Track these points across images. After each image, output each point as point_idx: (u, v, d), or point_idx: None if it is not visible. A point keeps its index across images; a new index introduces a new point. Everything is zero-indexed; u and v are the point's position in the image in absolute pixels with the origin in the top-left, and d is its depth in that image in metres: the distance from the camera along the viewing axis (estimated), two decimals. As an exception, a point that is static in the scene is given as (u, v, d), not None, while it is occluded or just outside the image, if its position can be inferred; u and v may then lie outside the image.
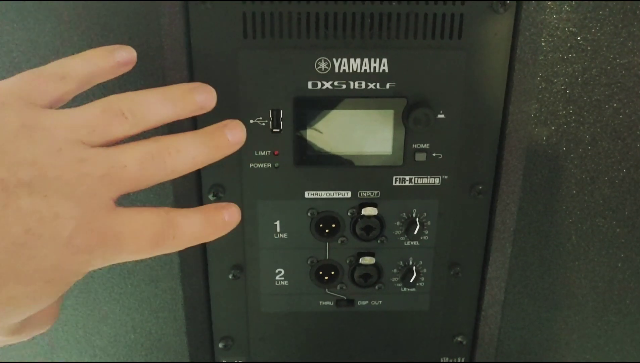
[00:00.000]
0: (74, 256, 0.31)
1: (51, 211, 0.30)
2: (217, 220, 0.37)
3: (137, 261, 0.50)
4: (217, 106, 0.45)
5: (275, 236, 0.50)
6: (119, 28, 0.43)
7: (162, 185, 0.48)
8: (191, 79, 0.44)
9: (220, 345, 0.54)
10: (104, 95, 0.44)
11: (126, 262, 0.49)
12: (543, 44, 0.44)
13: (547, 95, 0.45)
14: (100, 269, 0.51)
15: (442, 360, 0.56)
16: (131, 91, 0.40)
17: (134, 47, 0.43)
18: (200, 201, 0.49)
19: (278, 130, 0.46)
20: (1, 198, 0.29)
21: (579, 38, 0.44)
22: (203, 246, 0.50)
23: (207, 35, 0.43)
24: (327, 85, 0.45)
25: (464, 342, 0.55)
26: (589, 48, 0.44)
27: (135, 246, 0.33)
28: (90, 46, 0.43)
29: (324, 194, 0.49)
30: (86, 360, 0.55)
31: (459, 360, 0.56)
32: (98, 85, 0.44)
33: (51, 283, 0.31)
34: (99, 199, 0.31)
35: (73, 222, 0.30)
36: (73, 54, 0.43)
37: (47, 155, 0.31)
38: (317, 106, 0.46)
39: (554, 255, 0.51)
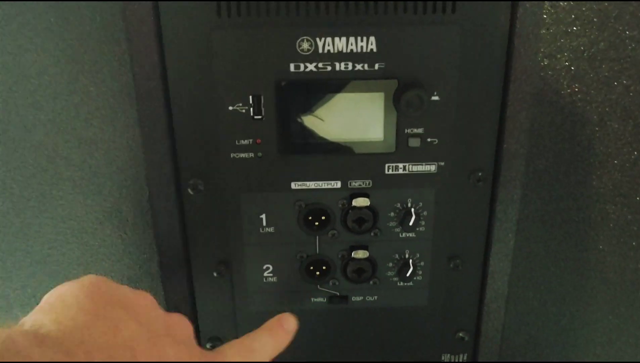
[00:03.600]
0: None
1: None
2: (280, 334, 0.43)
3: (113, 262, 0.48)
4: (192, 93, 0.42)
5: (261, 231, 0.48)
6: (81, 6, 0.40)
7: (139, 181, 0.45)
8: (162, 63, 0.41)
9: (208, 347, 0.52)
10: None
11: (102, 263, 0.47)
12: (545, 16, 0.41)
13: (550, 72, 0.43)
14: (76, 270, 0.49)
15: (443, 358, 0.54)
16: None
17: (96, 29, 0.41)
18: (179, 197, 0.45)
19: (260, 117, 0.44)
20: None
21: (584, 9, 0.41)
22: (185, 243, 0.48)
23: (178, 14, 0.40)
24: (311, 67, 0.42)
25: (466, 338, 0.52)
26: (595, 19, 0.41)
27: None
28: (54, 26, 0.41)
29: (311, 184, 0.46)
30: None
31: (460, 357, 0.54)
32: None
33: None
34: None
35: None
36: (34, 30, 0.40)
37: None
38: (300, 90, 0.43)
39: (560, 245, 0.49)
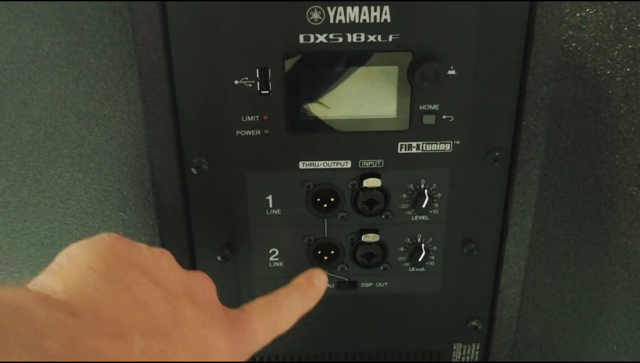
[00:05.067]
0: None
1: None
2: (310, 292, 0.41)
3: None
4: (196, 65, 0.41)
5: (267, 213, 0.46)
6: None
7: (140, 159, 0.43)
8: (165, 34, 0.40)
9: (211, 333, 0.50)
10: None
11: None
12: None
13: (573, 45, 0.41)
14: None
15: (455, 346, 0.53)
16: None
17: None
18: (182, 176, 0.44)
19: (267, 92, 0.42)
20: None
21: (611, -23, 0.39)
22: (188, 225, 0.46)
23: None
24: (321, 38, 0.40)
25: (479, 327, 0.51)
26: None
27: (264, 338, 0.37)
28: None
29: (320, 164, 0.45)
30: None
31: (473, 346, 0.53)
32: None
33: None
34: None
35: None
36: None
37: None
38: (310, 63, 0.41)
39: (580, 228, 0.47)
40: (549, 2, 0.38)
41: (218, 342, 0.32)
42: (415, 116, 0.43)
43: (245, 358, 0.35)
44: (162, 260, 0.33)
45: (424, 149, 0.44)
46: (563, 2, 0.39)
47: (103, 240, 0.31)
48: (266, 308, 0.38)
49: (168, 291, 0.31)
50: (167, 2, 0.39)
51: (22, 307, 0.24)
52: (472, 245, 0.47)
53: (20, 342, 0.22)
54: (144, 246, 0.33)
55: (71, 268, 0.29)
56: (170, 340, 0.29)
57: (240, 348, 0.35)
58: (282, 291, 0.40)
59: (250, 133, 0.43)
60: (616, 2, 0.39)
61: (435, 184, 0.45)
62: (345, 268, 0.49)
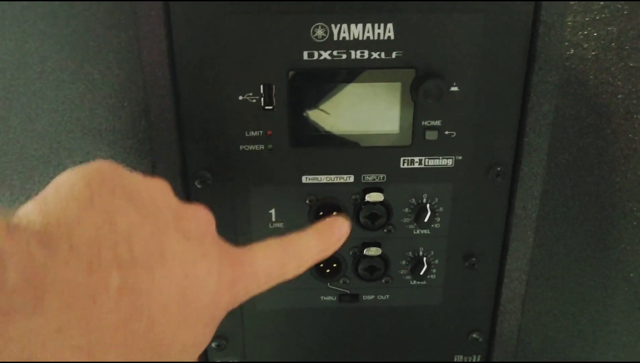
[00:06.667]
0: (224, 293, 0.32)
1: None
2: (328, 238, 0.38)
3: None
4: (201, 81, 0.41)
5: (270, 226, 0.46)
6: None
7: (145, 174, 0.43)
8: (170, 50, 0.40)
9: (213, 345, 0.50)
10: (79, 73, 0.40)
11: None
12: (572, 3, 0.39)
13: (575, 62, 0.41)
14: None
15: (456, 358, 0.53)
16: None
17: (102, 13, 0.39)
18: (186, 189, 0.44)
19: (271, 107, 0.42)
20: None
21: (613, -4, 0.39)
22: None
23: None
24: (325, 55, 0.40)
25: (480, 339, 0.51)
26: (625, 7, 0.39)
27: (267, 279, 0.35)
28: (58, 11, 0.39)
29: (323, 178, 0.45)
30: None
31: (474, 358, 0.53)
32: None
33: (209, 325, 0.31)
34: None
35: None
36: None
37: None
38: (314, 79, 0.42)
39: (581, 244, 0.47)
40: (551, 21, 0.39)
41: (208, 280, 0.30)
42: (417, 131, 0.43)
43: (241, 298, 0.33)
44: (156, 191, 0.30)
45: (427, 164, 0.44)
46: (566, 19, 0.39)
47: (94, 167, 0.29)
48: (275, 248, 0.35)
49: (156, 224, 0.28)
50: (172, 19, 0.39)
51: None
52: (474, 259, 0.47)
53: None
54: (138, 175, 0.30)
55: (54, 197, 0.26)
56: (152, 276, 0.26)
57: (235, 288, 0.32)
58: (297, 234, 0.37)
59: (254, 148, 0.43)
60: (618, 21, 0.40)
61: (437, 199, 0.46)
62: (348, 281, 0.49)
